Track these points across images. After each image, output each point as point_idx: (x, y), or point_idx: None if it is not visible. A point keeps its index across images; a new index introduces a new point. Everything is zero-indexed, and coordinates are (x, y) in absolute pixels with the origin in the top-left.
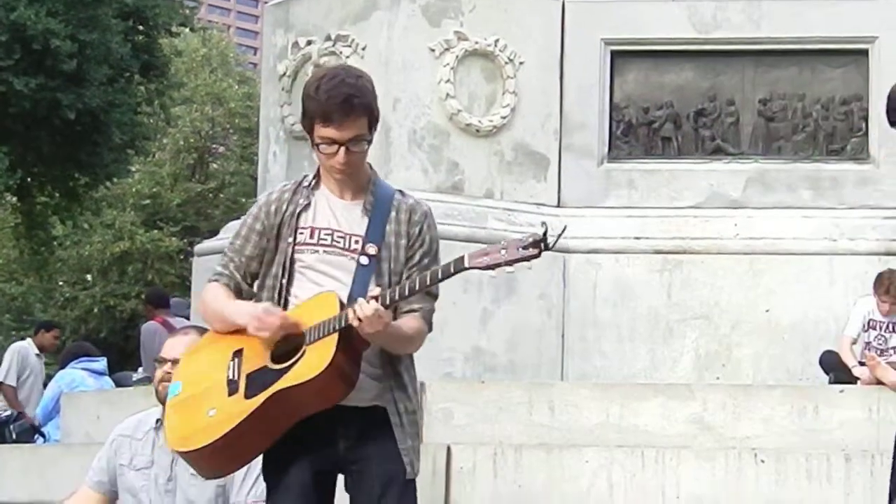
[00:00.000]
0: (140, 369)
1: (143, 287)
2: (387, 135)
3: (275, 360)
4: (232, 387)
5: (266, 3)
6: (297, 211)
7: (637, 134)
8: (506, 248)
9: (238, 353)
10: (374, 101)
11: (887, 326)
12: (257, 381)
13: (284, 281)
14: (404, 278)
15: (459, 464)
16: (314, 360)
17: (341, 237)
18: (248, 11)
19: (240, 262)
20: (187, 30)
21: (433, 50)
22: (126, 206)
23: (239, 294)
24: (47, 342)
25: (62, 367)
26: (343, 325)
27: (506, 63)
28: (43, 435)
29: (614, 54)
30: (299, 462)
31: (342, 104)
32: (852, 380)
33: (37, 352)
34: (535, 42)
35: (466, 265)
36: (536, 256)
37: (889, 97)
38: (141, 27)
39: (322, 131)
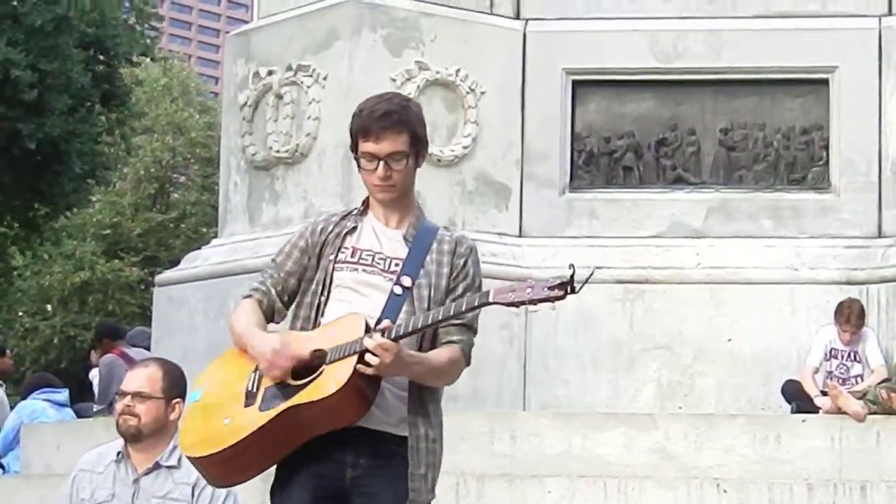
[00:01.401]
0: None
1: (105, 317)
2: (349, 163)
3: (295, 376)
4: (249, 399)
5: (227, 32)
6: (343, 232)
7: (598, 163)
8: (532, 287)
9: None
10: (419, 123)
11: (849, 355)
12: (274, 395)
13: (323, 298)
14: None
15: None
16: (331, 379)
17: (382, 259)
18: (210, 41)
19: (278, 278)
20: (148, 59)
21: (394, 79)
22: (86, 236)
23: (271, 313)
24: (4, 367)
25: (24, 398)
26: (363, 348)
27: (467, 93)
28: (2, 466)
29: (575, 84)
30: (303, 485)
31: (380, 118)
32: (814, 409)
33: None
34: (496, 72)
35: (491, 300)
36: (562, 298)
37: None
38: (102, 57)
39: (363, 146)
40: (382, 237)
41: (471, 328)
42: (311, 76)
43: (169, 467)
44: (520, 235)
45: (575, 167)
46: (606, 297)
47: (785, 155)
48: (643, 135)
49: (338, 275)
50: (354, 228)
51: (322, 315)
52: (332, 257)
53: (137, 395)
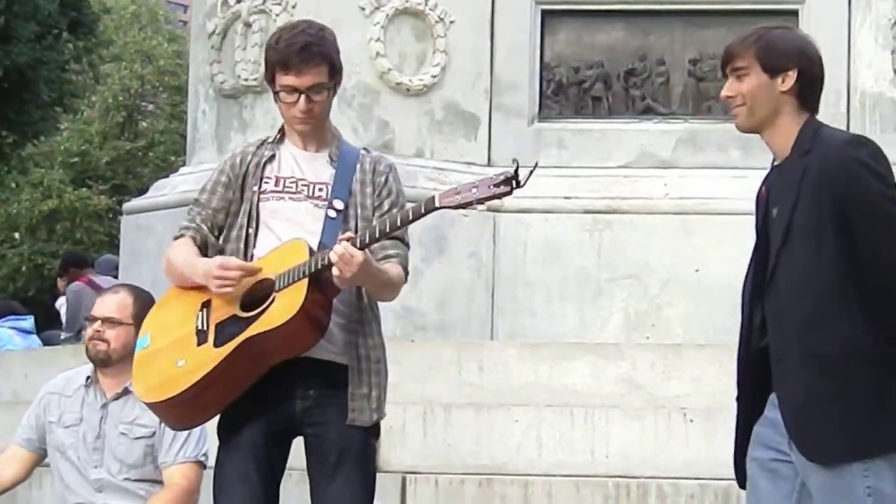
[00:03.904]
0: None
1: (72, 246)
2: None
3: (244, 308)
4: (201, 337)
5: None
6: (262, 162)
7: (567, 94)
8: (477, 187)
9: (207, 304)
10: (335, 52)
11: None
12: (227, 329)
13: (251, 230)
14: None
15: (389, 423)
16: (284, 305)
17: (305, 185)
18: None
19: (206, 215)
20: None
21: (363, 8)
22: (54, 165)
23: (205, 247)
24: None
25: None
26: (313, 270)
27: (436, 22)
28: None
29: (545, 13)
30: (253, 421)
31: (300, 51)
32: None
33: None
34: (465, 1)
35: (437, 205)
36: (508, 194)
37: None
38: None
39: (282, 79)
40: (303, 163)
41: (405, 242)
42: (279, 4)
43: None
44: (488, 165)
45: (544, 97)
46: (574, 228)
47: None
48: (612, 65)
49: (264, 205)
50: (273, 156)
51: (254, 247)
52: (255, 188)
53: (107, 321)
